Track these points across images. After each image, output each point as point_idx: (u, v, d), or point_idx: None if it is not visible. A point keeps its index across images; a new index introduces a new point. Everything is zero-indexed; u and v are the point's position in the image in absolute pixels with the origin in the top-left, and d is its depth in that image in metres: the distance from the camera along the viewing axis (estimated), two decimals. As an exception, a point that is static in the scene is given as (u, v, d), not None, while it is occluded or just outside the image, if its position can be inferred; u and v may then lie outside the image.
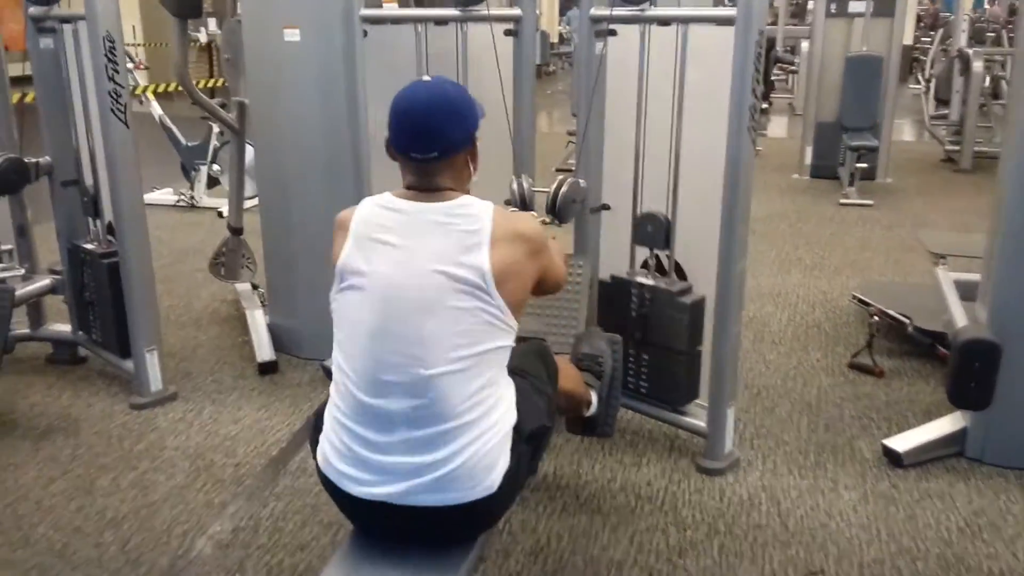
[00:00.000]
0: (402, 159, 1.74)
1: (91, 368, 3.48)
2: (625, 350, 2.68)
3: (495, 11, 2.78)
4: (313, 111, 3.29)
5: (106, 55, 2.84)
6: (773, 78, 11.44)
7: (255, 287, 4.01)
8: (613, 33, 2.67)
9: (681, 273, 2.75)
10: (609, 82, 2.74)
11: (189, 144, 6.29)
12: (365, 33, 2.82)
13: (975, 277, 3.06)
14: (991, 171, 6.20)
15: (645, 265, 2.80)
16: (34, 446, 2.88)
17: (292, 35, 3.20)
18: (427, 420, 1.63)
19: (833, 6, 6.92)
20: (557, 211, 2.58)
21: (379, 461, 1.65)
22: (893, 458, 2.72)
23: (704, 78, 2.54)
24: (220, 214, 5.66)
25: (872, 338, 3.44)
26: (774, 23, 11.86)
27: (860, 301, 3.88)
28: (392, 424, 1.65)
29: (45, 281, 3.43)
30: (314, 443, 1.80)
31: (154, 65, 11.41)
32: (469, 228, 1.66)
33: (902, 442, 2.74)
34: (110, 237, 3.23)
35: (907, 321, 3.49)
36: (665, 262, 2.76)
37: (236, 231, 4.14)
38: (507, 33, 2.78)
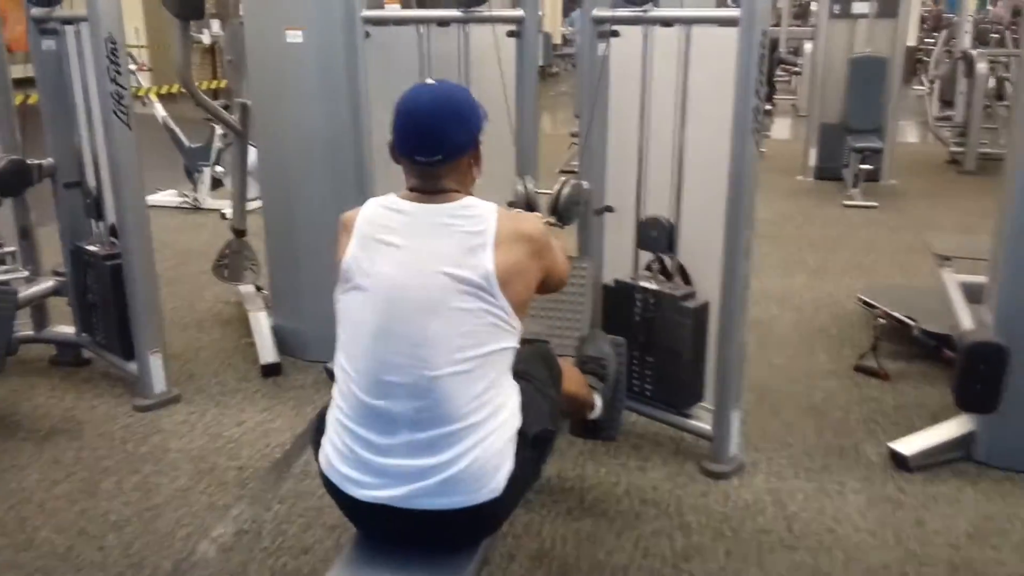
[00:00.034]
0: (406, 162, 1.73)
1: (95, 370, 3.48)
2: (629, 353, 2.67)
3: (497, 12, 2.77)
4: (315, 112, 3.28)
5: (108, 56, 2.84)
6: (776, 79, 11.42)
7: (259, 289, 4.01)
8: (616, 34, 2.66)
9: (685, 276, 2.73)
10: (612, 83, 2.73)
11: (192, 146, 6.29)
12: (367, 34, 2.82)
13: (981, 279, 3.04)
14: (996, 173, 6.19)
15: (649, 268, 2.78)
16: (37, 448, 2.87)
17: (294, 36, 3.19)
18: (430, 422, 1.62)
19: (836, 7, 6.90)
20: (560, 213, 2.56)
21: (381, 463, 1.64)
22: (900, 462, 2.71)
23: (707, 79, 2.53)
24: (223, 216, 5.66)
25: (877, 341, 3.42)
26: (777, 24, 11.85)
27: (865, 303, 3.86)
28: (395, 426, 1.64)
29: (48, 283, 3.42)
30: (317, 445, 1.79)
31: (158, 67, 11.41)
32: (473, 229, 1.66)
33: (909, 445, 2.72)
34: (113, 239, 3.23)
35: (913, 323, 3.47)
36: (669, 266, 2.74)
37: (239, 233, 4.14)
38: (510, 34, 2.76)
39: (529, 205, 2.55)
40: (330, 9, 3.03)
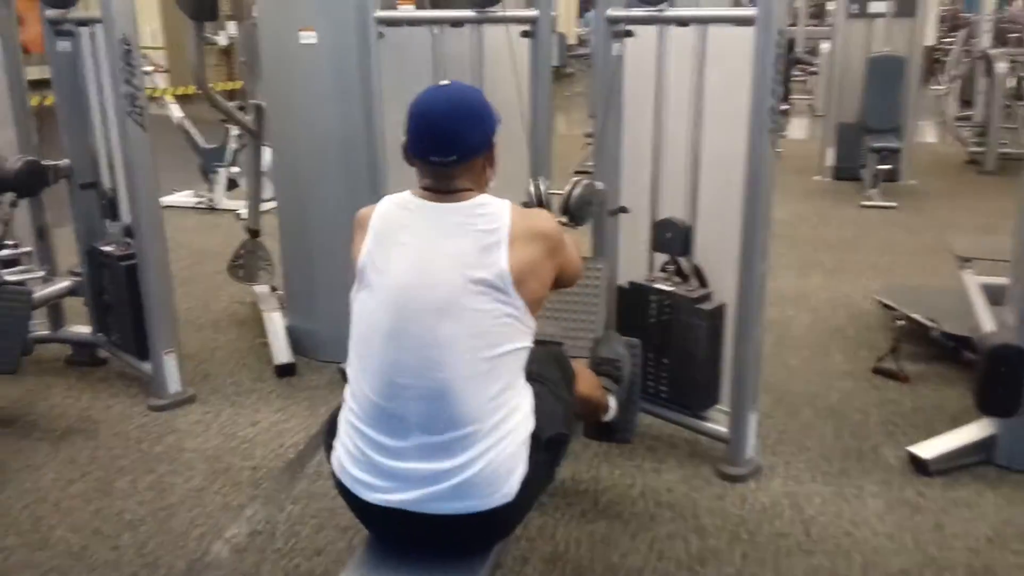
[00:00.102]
0: (420, 164, 1.72)
1: (110, 370, 3.49)
2: (644, 355, 2.65)
3: (511, 12, 2.76)
4: (329, 113, 3.28)
5: (122, 58, 2.84)
6: (793, 79, 11.35)
7: (273, 289, 4.01)
8: (630, 34, 2.65)
9: (701, 278, 2.71)
10: (627, 84, 2.71)
11: (208, 147, 6.32)
12: (381, 35, 2.82)
13: (1002, 281, 3.01)
14: (1016, 173, 6.10)
15: (664, 270, 2.76)
16: (53, 448, 2.88)
17: (308, 37, 3.19)
18: (443, 425, 1.61)
19: (854, 7, 6.84)
20: (572, 212, 2.54)
21: (393, 467, 1.63)
22: (919, 465, 2.67)
23: (723, 80, 2.51)
24: (239, 216, 5.68)
25: (897, 342, 3.39)
26: (794, 24, 11.78)
27: (884, 305, 3.82)
28: (407, 428, 1.62)
29: (64, 283, 3.44)
30: (329, 447, 1.78)
31: (174, 68, 11.48)
32: (487, 228, 1.64)
33: (928, 449, 2.69)
34: (128, 239, 3.24)
35: (932, 325, 3.44)
36: (685, 267, 2.72)
37: (254, 233, 4.15)
38: (523, 34, 2.75)
39: (542, 206, 2.53)
40: (344, 10, 3.03)
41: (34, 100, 3.52)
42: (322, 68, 3.25)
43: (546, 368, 1.86)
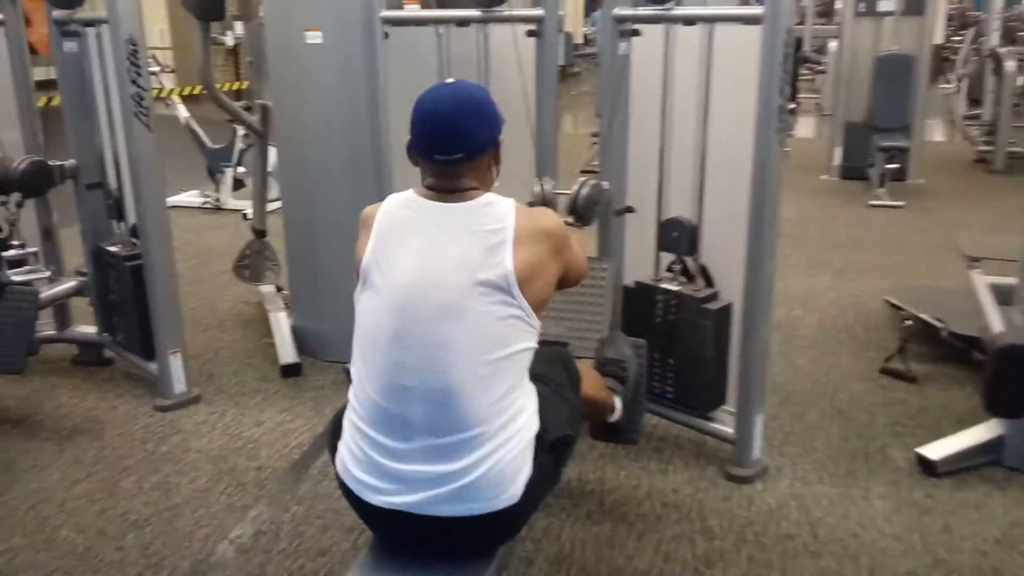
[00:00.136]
0: (424, 163, 1.70)
1: (116, 370, 3.50)
2: (650, 355, 2.64)
3: (517, 12, 2.75)
4: (335, 113, 3.28)
5: (128, 58, 2.84)
6: (800, 78, 11.31)
7: (279, 289, 4.01)
8: (637, 33, 2.63)
9: (708, 278, 2.70)
10: (633, 83, 2.70)
11: (214, 147, 6.33)
12: (386, 35, 2.81)
13: (1011, 281, 2.99)
14: (1026, 172, 6.10)
15: (670, 270, 2.75)
16: (59, 448, 2.89)
17: (314, 37, 3.19)
18: (448, 427, 1.59)
19: (862, 5, 6.81)
20: (579, 213, 2.53)
21: (397, 469, 1.62)
22: (927, 467, 2.66)
23: (730, 78, 2.50)
24: (245, 216, 5.68)
25: (905, 343, 3.36)
26: (801, 23, 11.74)
27: (892, 305, 3.80)
28: (411, 431, 1.61)
29: (70, 283, 3.45)
30: (333, 449, 1.77)
31: (182, 68, 11.51)
32: (492, 227, 1.62)
33: (936, 450, 2.67)
34: (134, 239, 3.24)
35: (941, 325, 3.41)
36: (691, 267, 2.71)
37: (260, 233, 4.15)
38: (529, 34, 2.74)
39: (547, 206, 2.52)
40: (350, 10, 3.02)
41: (41, 100, 3.52)
42: (328, 68, 3.24)
43: (551, 369, 1.85)
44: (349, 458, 1.69)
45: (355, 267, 1.72)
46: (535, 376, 1.72)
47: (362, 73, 2.94)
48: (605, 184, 2.68)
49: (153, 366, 3.19)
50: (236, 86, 11.82)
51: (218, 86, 3.61)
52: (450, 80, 1.76)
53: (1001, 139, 7.27)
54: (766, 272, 2.48)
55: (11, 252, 3.17)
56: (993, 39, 7.77)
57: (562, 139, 3.00)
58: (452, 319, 1.59)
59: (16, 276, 3.13)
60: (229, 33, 9.86)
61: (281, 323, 3.66)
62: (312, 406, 3.18)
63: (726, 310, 2.62)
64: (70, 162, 3.29)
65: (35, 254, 3.25)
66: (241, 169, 6.19)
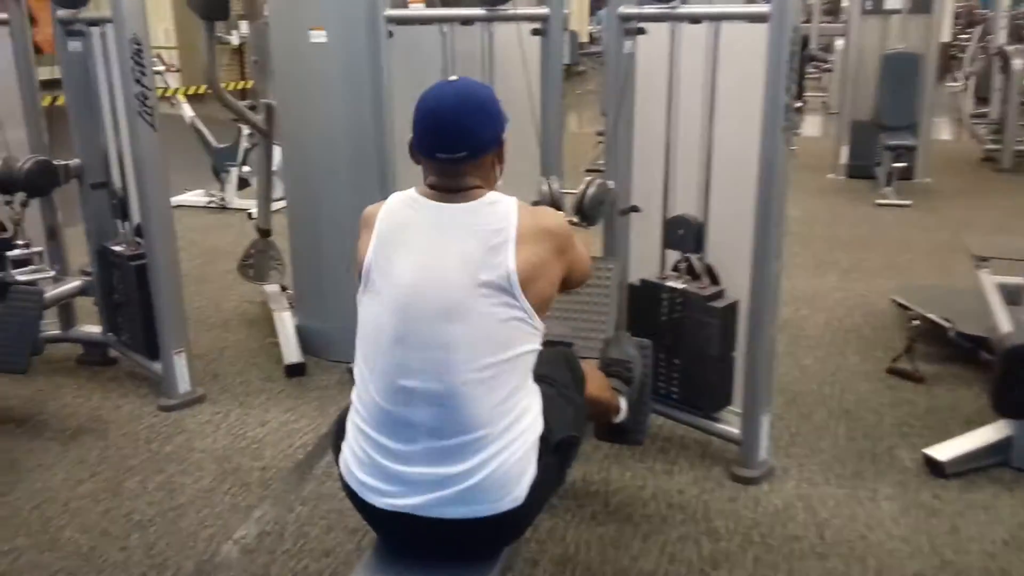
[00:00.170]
0: (427, 161, 1.68)
1: (121, 369, 3.49)
2: (656, 355, 2.63)
3: (522, 10, 2.74)
4: (339, 112, 3.27)
5: (132, 58, 2.84)
6: (807, 76, 11.28)
7: (283, 288, 4.01)
8: (642, 31, 2.62)
9: (714, 277, 2.68)
10: (639, 82, 2.69)
11: (220, 146, 6.33)
12: (390, 34, 2.80)
13: (1020, 280, 2.97)
14: (1033, 170, 6.07)
15: (676, 269, 2.74)
16: (63, 447, 2.88)
17: (318, 36, 3.18)
18: (451, 430, 1.58)
19: (869, 3, 6.79)
20: (585, 212, 2.52)
21: (401, 472, 1.61)
22: (935, 467, 2.64)
23: (736, 77, 2.48)
24: (250, 215, 5.69)
25: (912, 343, 3.34)
26: (808, 21, 11.70)
27: (899, 304, 3.78)
28: (414, 433, 1.60)
29: (75, 283, 3.44)
30: (337, 450, 1.76)
31: (187, 68, 11.51)
32: (494, 227, 1.60)
33: (944, 451, 2.65)
34: (138, 239, 3.24)
35: (948, 325, 3.39)
36: (697, 266, 2.69)
37: (264, 232, 4.15)
38: (534, 32, 2.73)
39: (553, 205, 2.50)
40: (354, 9, 3.01)
41: (46, 100, 3.52)
42: (332, 67, 3.24)
43: (556, 370, 1.84)
44: (352, 460, 1.68)
45: (356, 267, 1.70)
46: (539, 377, 1.71)
47: (366, 72, 2.93)
48: (610, 183, 2.66)
49: (157, 366, 3.19)
50: (241, 85, 11.83)
51: (223, 85, 3.61)
52: (453, 78, 1.74)
53: (1008, 137, 7.24)
54: (772, 271, 2.46)
55: (16, 251, 3.16)
56: (1000, 37, 7.75)
57: (567, 138, 2.98)
58: (454, 321, 1.58)
59: (21, 276, 3.13)
60: (234, 32, 9.88)
61: (285, 323, 3.66)
62: (316, 406, 3.17)
63: (732, 308, 2.60)
64: (75, 161, 3.29)
65: (40, 253, 3.25)
66: (246, 168, 6.19)
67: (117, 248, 3.29)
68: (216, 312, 4.17)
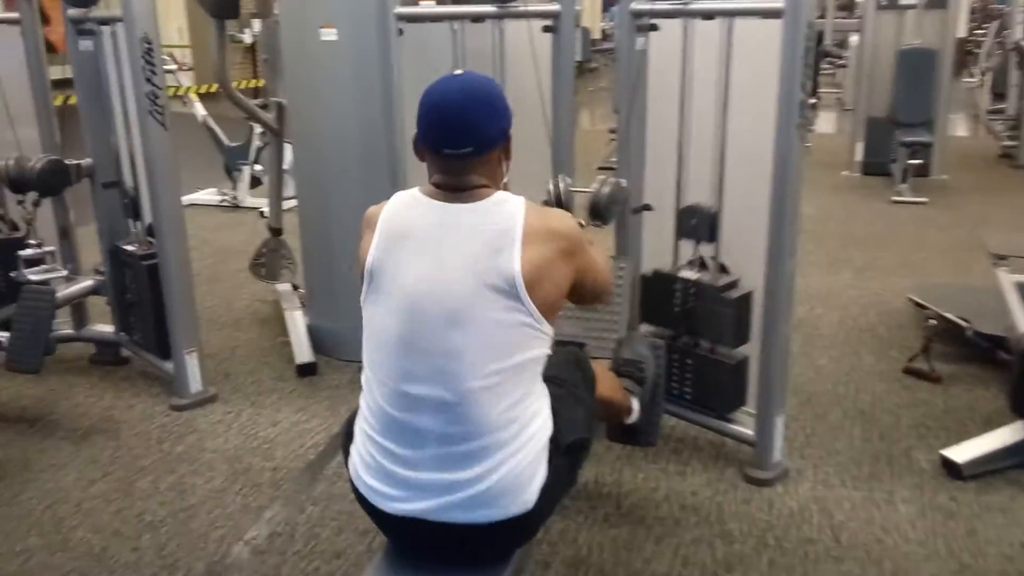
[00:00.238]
0: (432, 157, 1.64)
1: (133, 369, 3.50)
2: (669, 354, 2.60)
3: (533, 7, 2.72)
4: (350, 110, 3.26)
5: (143, 57, 2.83)
6: (821, 73, 11.21)
7: (295, 288, 4.00)
8: (655, 28, 2.60)
9: (727, 273, 2.65)
10: (651, 78, 2.66)
11: (232, 144, 6.34)
12: (401, 31, 2.78)
13: (1039, 279, 2.93)
14: (1052, 167, 6.00)
15: (691, 263, 2.71)
16: (75, 447, 2.89)
17: (329, 34, 3.17)
18: (459, 437, 1.56)
19: (884, -1, 6.75)
20: (601, 212, 2.50)
21: (409, 477, 1.59)
22: (952, 469, 2.60)
23: (750, 74, 2.45)
24: (262, 214, 5.68)
25: (928, 342, 3.30)
26: (822, 16, 11.63)
27: (915, 303, 3.74)
28: (422, 440, 1.58)
29: (87, 282, 3.44)
30: (347, 452, 1.74)
31: (200, 66, 11.56)
32: (500, 228, 1.56)
33: (962, 452, 2.62)
34: (150, 238, 3.23)
35: (966, 325, 3.35)
36: (710, 265, 2.66)
37: (276, 231, 4.14)
38: (546, 29, 2.71)
39: (563, 205, 2.47)
40: (364, 6, 3.00)
41: (58, 99, 3.52)
42: (342, 65, 3.23)
43: (566, 370, 1.81)
44: (360, 465, 1.66)
45: (359, 269, 1.66)
46: (549, 377, 1.68)
47: (377, 70, 2.92)
48: (623, 182, 2.64)
49: (169, 365, 3.19)
50: (254, 83, 11.86)
51: (235, 84, 3.61)
52: (458, 71, 1.69)
53: (1026, 134, 7.17)
54: (787, 269, 2.43)
55: (28, 251, 3.16)
56: (1017, 32, 7.65)
57: (579, 135, 2.96)
58: (460, 326, 1.54)
59: (33, 275, 3.13)
60: (247, 31, 9.89)
61: (297, 322, 3.65)
62: (328, 405, 3.16)
63: (746, 298, 2.56)
64: (86, 161, 3.29)
65: (52, 253, 3.25)
66: (258, 167, 6.19)
67: (129, 247, 3.30)
68: (228, 311, 4.17)
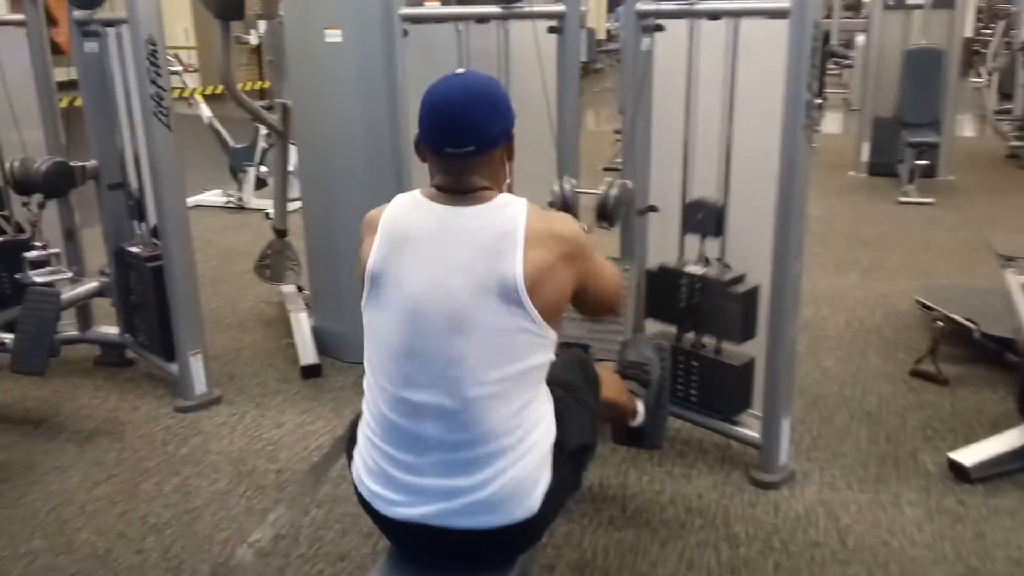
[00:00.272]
0: (433, 157, 1.61)
1: (138, 370, 3.50)
2: (674, 356, 2.59)
3: (538, 8, 2.71)
4: (354, 111, 3.26)
5: (148, 58, 2.83)
6: (827, 73, 11.19)
7: (300, 289, 4.00)
8: (660, 28, 2.58)
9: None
10: (657, 79, 2.65)
11: (237, 146, 6.35)
12: (405, 32, 2.78)
13: (1047, 280, 2.91)
14: (1060, 167, 5.97)
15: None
16: (80, 449, 2.89)
17: (333, 36, 3.17)
18: (462, 444, 1.54)
19: (891, -1, 6.72)
20: (608, 215, 2.48)
21: (411, 482, 1.58)
22: (960, 472, 2.59)
23: (756, 74, 2.44)
24: (268, 215, 5.68)
25: (935, 344, 3.29)
26: (829, 16, 11.60)
27: (922, 305, 3.72)
28: (424, 446, 1.57)
29: (92, 284, 3.44)
30: (350, 456, 1.74)
31: (206, 67, 11.57)
32: (502, 230, 1.53)
33: (969, 455, 2.60)
34: (155, 240, 3.23)
35: (973, 326, 3.33)
36: (713, 263, 2.65)
37: (281, 233, 4.14)
38: (551, 30, 2.70)
39: (568, 206, 2.45)
40: (369, 8, 2.99)
41: (63, 101, 3.53)
42: (347, 67, 3.22)
43: (570, 373, 1.80)
44: (363, 469, 1.66)
45: (360, 273, 1.64)
46: (553, 381, 1.66)
47: (381, 71, 2.91)
48: (628, 182, 2.63)
49: (174, 367, 3.19)
50: (259, 85, 11.87)
51: (241, 85, 3.61)
52: (460, 70, 1.68)
53: (1033, 134, 7.15)
54: (793, 271, 2.42)
55: (33, 253, 3.17)
56: (1024, 32, 7.62)
57: (584, 136, 2.95)
58: (461, 332, 1.52)
59: (38, 277, 3.14)
60: (253, 32, 9.89)
61: (302, 323, 3.65)
62: (332, 407, 3.16)
63: (752, 293, 2.54)
64: (91, 163, 3.29)
65: (57, 255, 3.25)
66: (264, 168, 6.20)
67: (134, 249, 3.30)
68: (232, 313, 4.17)
